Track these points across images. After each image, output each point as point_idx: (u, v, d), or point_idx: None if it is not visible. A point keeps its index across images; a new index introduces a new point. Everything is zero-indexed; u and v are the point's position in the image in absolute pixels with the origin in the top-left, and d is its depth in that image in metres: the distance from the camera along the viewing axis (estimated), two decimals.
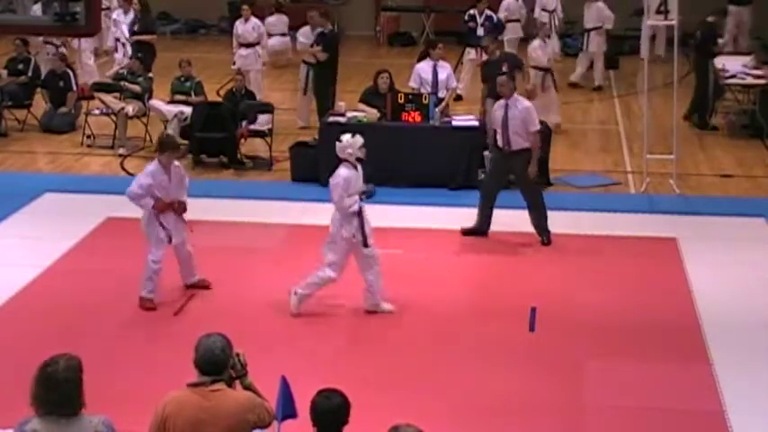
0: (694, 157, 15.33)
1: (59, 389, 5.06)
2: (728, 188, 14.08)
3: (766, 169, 14.86)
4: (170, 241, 10.21)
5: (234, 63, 17.76)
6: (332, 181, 9.88)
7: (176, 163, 10.37)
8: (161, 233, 10.15)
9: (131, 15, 18.22)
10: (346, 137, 9.92)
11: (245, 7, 18.05)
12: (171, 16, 25.33)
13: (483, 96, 15.15)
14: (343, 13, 24.52)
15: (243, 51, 17.66)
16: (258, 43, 17.73)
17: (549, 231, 11.85)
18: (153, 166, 10.17)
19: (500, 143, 11.89)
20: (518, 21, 20.08)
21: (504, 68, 14.62)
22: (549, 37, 17.41)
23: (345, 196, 9.77)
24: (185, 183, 10.39)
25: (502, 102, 11.95)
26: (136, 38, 17.74)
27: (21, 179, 14.12)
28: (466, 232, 12.10)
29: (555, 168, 14.27)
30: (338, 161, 9.96)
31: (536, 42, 16.63)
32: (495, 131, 11.97)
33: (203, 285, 10.62)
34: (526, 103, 12.02)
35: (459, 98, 18.37)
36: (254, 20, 17.88)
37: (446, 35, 23.09)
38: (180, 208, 10.25)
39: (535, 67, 16.30)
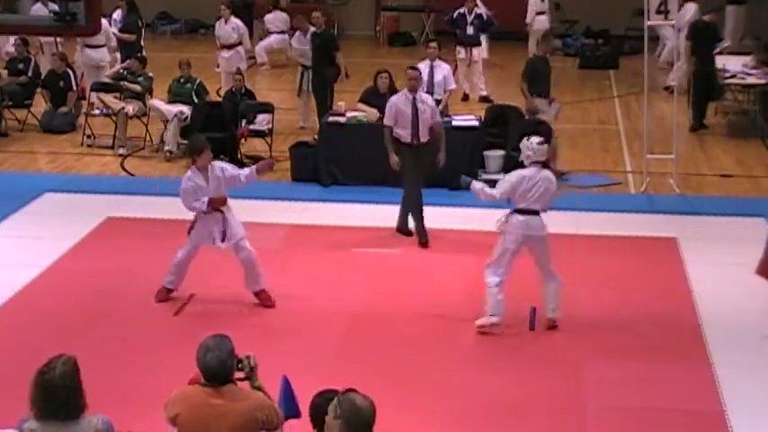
0: (694, 157, 15.33)
1: (57, 395, 5.04)
2: (728, 188, 14.07)
3: (766, 169, 14.85)
4: (223, 240, 10.04)
5: (218, 66, 17.68)
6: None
7: (218, 164, 10.11)
8: (205, 233, 10.00)
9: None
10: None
11: (222, 7, 17.86)
12: (171, 16, 25.32)
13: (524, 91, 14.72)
14: (343, 13, 24.51)
15: (225, 53, 17.57)
16: (240, 44, 17.66)
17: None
18: (190, 171, 9.93)
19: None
20: (543, 13, 20.18)
21: None
22: None
23: None
24: (223, 186, 9.96)
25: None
26: (117, 35, 17.80)
27: (21, 179, 14.11)
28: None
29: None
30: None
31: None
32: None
33: (264, 301, 10.22)
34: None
35: (466, 98, 18.37)
36: (234, 21, 17.70)
37: (446, 35, 23.09)
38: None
39: None
